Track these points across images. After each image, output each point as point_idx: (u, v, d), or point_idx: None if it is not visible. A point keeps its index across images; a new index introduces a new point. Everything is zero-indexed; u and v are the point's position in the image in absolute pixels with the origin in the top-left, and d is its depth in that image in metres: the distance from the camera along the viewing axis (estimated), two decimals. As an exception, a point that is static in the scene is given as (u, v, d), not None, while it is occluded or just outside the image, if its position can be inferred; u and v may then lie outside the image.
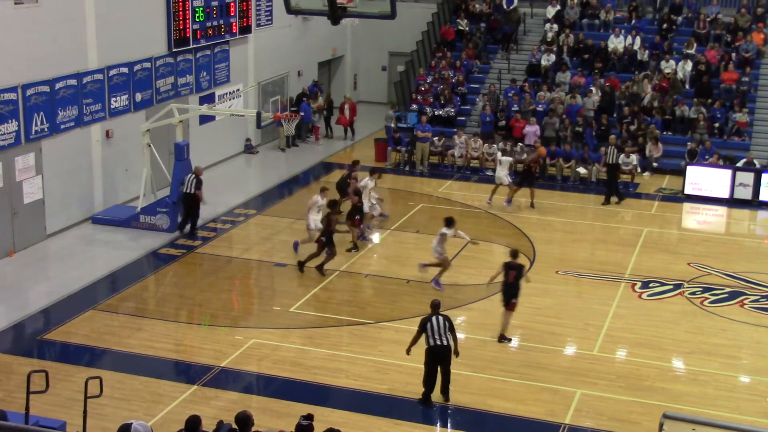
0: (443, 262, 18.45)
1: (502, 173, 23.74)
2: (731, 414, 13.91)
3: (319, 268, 18.86)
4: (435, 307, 14.07)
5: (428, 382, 14.01)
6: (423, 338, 13.99)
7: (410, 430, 13.48)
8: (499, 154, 24.81)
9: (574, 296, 18.51)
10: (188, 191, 21.02)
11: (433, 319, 13.84)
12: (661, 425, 7.71)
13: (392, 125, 28.54)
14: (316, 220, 19.69)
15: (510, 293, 16.08)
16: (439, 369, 14.00)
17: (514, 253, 16.47)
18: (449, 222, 18.39)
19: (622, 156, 25.12)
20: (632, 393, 14.61)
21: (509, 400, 14.29)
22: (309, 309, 17.45)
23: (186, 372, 15.08)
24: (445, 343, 13.81)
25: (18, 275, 18.73)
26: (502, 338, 16.20)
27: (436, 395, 14.13)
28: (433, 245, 18.44)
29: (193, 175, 21.16)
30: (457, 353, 14.04)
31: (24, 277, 18.73)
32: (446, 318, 13.95)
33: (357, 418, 13.63)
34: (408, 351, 14.20)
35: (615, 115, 28.67)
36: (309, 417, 10.66)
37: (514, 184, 23.90)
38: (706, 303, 18.17)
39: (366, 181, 21.34)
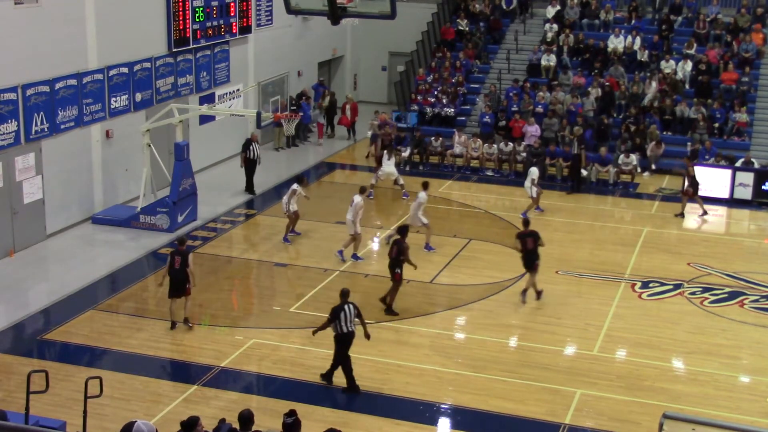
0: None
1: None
2: (731, 414, 13.91)
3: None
4: (345, 295, 14.58)
5: (347, 367, 14.42)
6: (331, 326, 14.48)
7: (410, 430, 13.49)
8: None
9: (574, 296, 18.50)
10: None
11: (346, 307, 14.38)
12: (661, 425, 7.69)
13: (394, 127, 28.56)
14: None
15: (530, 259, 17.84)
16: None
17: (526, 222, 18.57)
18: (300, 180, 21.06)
19: (621, 156, 25.08)
20: (632, 393, 14.61)
21: (509, 400, 14.29)
22: (309, 309, 17.43)
23: (186, 372, 15.07)
24: (353, 329, 14.43)
25: (18, 275, 18.72)
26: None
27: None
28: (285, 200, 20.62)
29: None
30: (368, 336, 14.70)
31: (24, 277, 18.73)
32: (355, 305, 14.55)
33: (357, 418, 13.64)
34: (314, 333, 14.85)
35: (615, 115, 28.68)
36: (292, 413, 10.63)
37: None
38: (706, 303, 18.17)
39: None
